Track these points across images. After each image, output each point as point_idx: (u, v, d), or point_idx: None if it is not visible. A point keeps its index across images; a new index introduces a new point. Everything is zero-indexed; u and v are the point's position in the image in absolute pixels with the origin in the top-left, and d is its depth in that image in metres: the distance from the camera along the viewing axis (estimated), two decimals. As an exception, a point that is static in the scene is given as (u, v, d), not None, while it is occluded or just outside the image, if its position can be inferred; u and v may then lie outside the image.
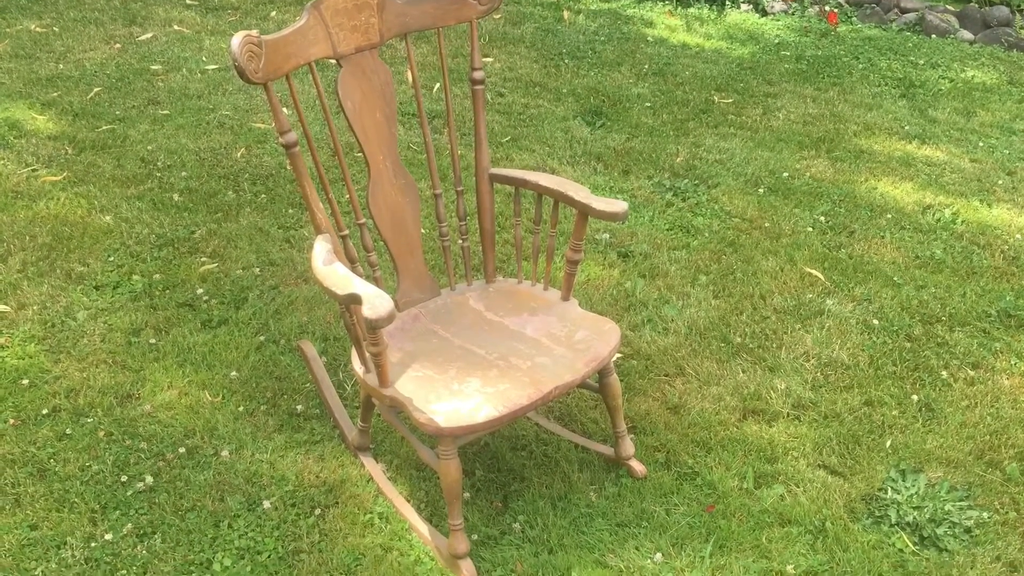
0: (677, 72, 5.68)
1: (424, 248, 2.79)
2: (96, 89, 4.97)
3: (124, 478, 2.65)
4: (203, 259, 3.63)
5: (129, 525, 2.51)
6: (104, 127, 4.59)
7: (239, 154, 4.41)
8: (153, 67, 5.28)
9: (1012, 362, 3.26)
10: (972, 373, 3.20)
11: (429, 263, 3.29)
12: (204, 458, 2.74)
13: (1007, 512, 2.66)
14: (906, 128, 5.10)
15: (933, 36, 6.74)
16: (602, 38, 6.19)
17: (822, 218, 4.13)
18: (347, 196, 2.54)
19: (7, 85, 4.97)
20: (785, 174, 4.50)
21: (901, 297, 3.58)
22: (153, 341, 3.18)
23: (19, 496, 2.59)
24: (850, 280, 3.69)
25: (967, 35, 6.81)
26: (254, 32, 2.22)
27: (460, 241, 2.79)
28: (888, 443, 2.88)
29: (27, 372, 3.02)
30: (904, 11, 7.09)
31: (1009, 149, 4.93)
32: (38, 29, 5.72)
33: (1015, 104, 5.55)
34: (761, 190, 4.35)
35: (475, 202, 2.83)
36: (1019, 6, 7.02)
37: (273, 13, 6.22)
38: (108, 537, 2.47)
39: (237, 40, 2.18)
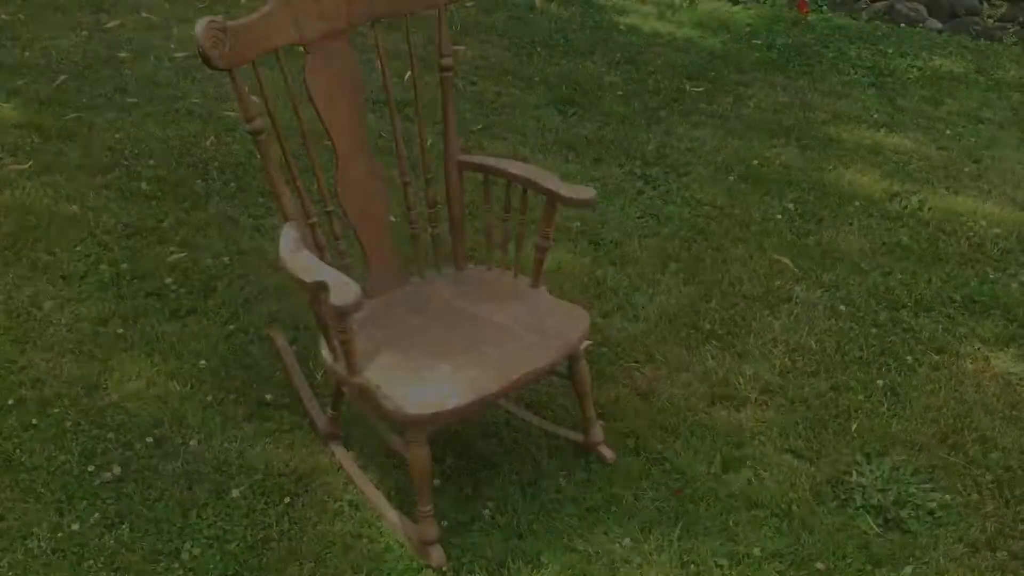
0: (649, 61, 5.69)
1: (394, 236, 2.79)
2: (62, 77, 4.90)
3: (91, 468, 2.63)
4: (171, 248, 3.60)
5: (96, 515, 2.49)
6: (71, 115, 4.53)
7: (208, 143, 4.38)
8: (121, 55, 5.22)
9: (976, 347, 3.31)
10: (936, 358, 3.24)
11: (399, 251, 3.28)
12: (172, 448, 2.72)
13: (970, 494, 2.70)
14: (875, 116, 5.15)
15: (902, 25, 6.79)
16: (574, 26, 6.18)
17: (791, 206, 4.17)
18: (316, 185, 2.53)
19: (-29, 73, 4.89)
20: (755, 162, 4.53)
21: (868, 283, 3.62)
22: (121, 331, 3.16)
23: (-16, 487, 2.56)
24: (818, 267, 3.72)
25: (935, 24, 6.87)
26: (218, 18, 2.21)
27: (430, 229, 2.79)
28: (854, 427, 2.92)
29: (-8, 363, 2.99)
30: (874, 0, 7.14)
31: (976, 137, 4.99)
32: (3, 16, 5.63)
33: (982, 92, 5.61)
34: (731, 178, 4.37)
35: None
36: (986, -4, 7.09)
37: (243, 0, 6.17)
38: (75, 527, 2.46)
39: (201, 26, 2.17)
